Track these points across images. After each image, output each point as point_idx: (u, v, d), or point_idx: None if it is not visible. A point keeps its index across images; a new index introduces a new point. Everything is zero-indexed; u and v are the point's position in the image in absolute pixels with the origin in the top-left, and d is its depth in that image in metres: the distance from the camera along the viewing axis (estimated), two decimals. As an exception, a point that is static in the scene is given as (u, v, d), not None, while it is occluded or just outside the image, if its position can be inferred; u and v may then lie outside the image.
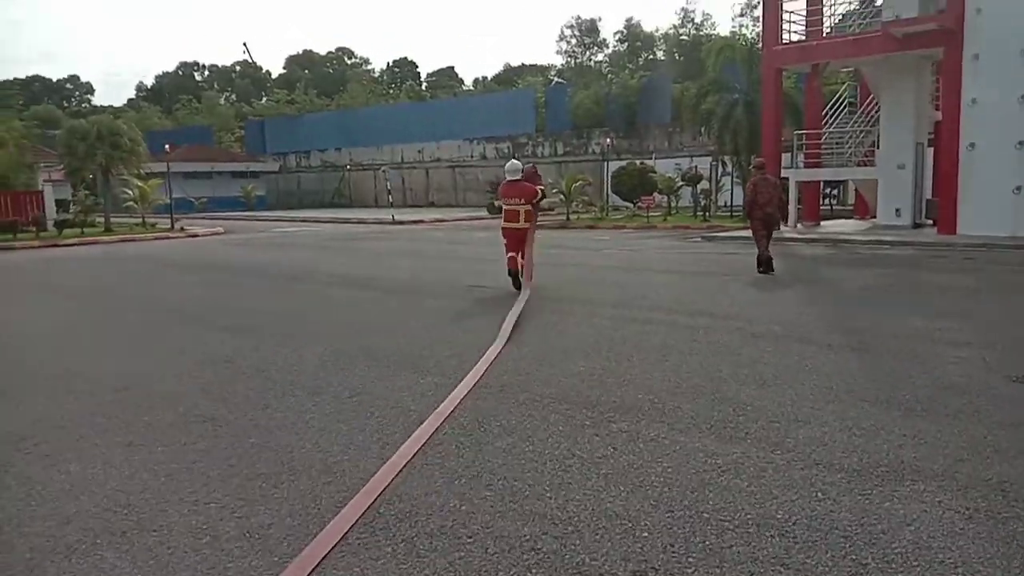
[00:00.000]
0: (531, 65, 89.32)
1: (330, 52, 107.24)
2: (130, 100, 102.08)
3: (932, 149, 23.01)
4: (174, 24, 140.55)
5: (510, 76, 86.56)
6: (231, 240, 26.99)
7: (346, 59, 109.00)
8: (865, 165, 24.07)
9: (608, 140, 36.70)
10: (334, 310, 10.39)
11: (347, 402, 5.90)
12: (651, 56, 73.24)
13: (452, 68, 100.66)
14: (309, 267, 16.41)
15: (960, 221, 19.11)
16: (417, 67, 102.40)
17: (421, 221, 36.40)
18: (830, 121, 24.72)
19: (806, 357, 7.00)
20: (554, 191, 32.13)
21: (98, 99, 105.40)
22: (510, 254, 11.79)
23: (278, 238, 27.11)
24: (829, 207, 28.61)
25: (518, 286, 11.46)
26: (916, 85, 21.48)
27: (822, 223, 25.00)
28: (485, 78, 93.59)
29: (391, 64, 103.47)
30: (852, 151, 23.20)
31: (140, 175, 34.11)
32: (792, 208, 23.53)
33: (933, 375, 6.31)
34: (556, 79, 69.49)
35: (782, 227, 22.58)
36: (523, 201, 11.81)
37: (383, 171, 38.75)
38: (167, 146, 35.03)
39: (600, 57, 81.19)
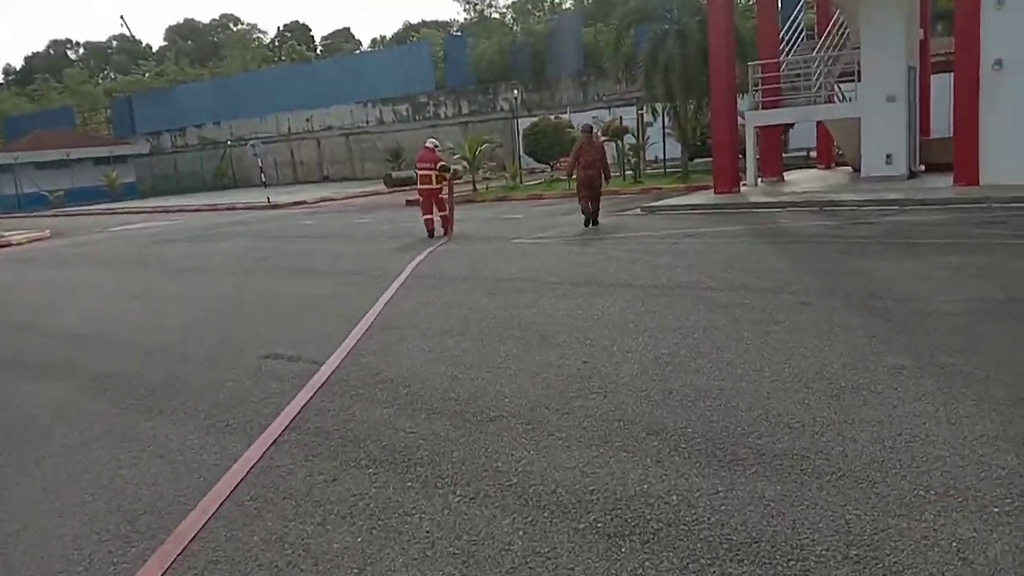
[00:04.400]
0: (431, 21, 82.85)
1: (214, 20, 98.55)
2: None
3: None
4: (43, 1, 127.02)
5: (410, 34, 79.89)
6: (31, 252, 20.52)
7: (232, 26, 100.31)
8: (830, 102, 19.13)
9: (515, 93, 31.00)
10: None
11: None
12: (557, 1, 67.45)
13: (348, 30, 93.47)
14: (45, 311, 10.45)
15: (984, 167, 14.27)
16: (310, 31, 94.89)
17: (303, 203, 30.33)
18: (787, 52, 19.69)
19: None
20: (455, 156, 26.54)
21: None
22: (426, 216, 14.91)
23: (92, 244, 20.73)
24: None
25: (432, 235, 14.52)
26: (907, -9, 16.51)
27: (785, 177, 20.09)
28: (383, 37, 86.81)
29: (281, 29, 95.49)
30: (821, 82, 18.15)
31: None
32: (751, 161, 18.47)
33: None
34: (456, 33, 63.28)
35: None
36: (433, 166, 14.87)
37: (251, 146, 32.22)
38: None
39: (503, 3, 74.94)
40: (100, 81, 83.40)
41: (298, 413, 5.03)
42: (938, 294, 6.93)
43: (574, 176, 14.62)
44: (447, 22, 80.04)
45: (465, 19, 75.32)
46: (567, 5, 64.51)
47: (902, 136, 16.65)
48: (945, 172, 15.86)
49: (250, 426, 4.91)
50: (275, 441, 4.59)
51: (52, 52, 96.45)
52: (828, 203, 14.65)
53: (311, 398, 5.33)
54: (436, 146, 15.52)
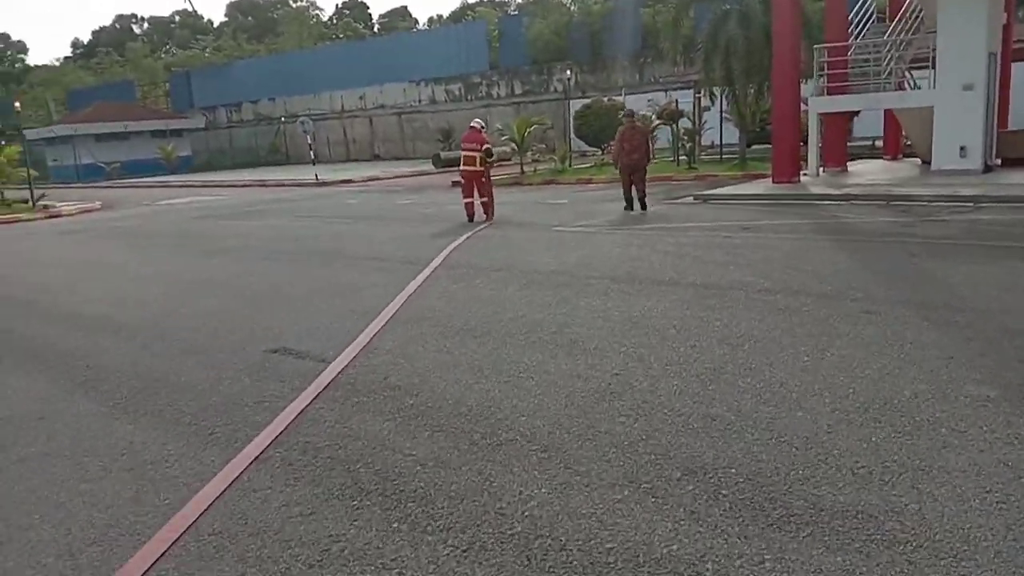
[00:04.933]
0: (488, 0, 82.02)
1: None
2: (67, 58, 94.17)
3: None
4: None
5: (466, 13, 79.29)
6: (77, 224, 20.54)
7: (291, 3, 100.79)
8: (901, 89, 17.94)
9: (568, 73, 30.12)
10: None
11: None
12: (617, -20, 65.91)
13: (405, 8, 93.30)
14: (61, 290, 10.17)
15: (1071, 162, 13.15)
16: (368, 8, 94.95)
17: (350, 181, 30.09)
18: (856, 36, 18.53)
19: None
20: (503, 138, 25.93)
21: (32, 58, 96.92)
22: (466, 200, 14.37)
23: (136, 218, 20.67)
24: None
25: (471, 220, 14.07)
26: (993, -33, 15.26)
27: (849, 167, 18.99)
28: (440, 16, 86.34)
29: (339, 6, 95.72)
30: (891, 68, 17.01)
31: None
32: (813, 149, 17.45)
33: None
34: (513, 12, 62.41)
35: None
36: (478, 147, 14.22)
37: (301, 123, 31.99)
38: (17, 104, 27.83)
39: (561, -17, 73.76)
40: (162, 56, 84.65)
41: (290, 423, 4.50)
42: (1028, 309, 6.10)
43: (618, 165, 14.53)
44: (504, 1, 79.24)
45: (522, -1, 74.43)
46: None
47: (979, 127, 15.47)
48: (1022, 167, 14.76)
49: (236, 436, 4.40)
50: (258, 457, 4.06)
51: (118, 26, 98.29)
52: (896, 197, 13.65)
53: (309, 404, 4.80)
54: (482, 127, 14.91)
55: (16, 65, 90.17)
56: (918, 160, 18.94)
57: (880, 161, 20.98)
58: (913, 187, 14.54)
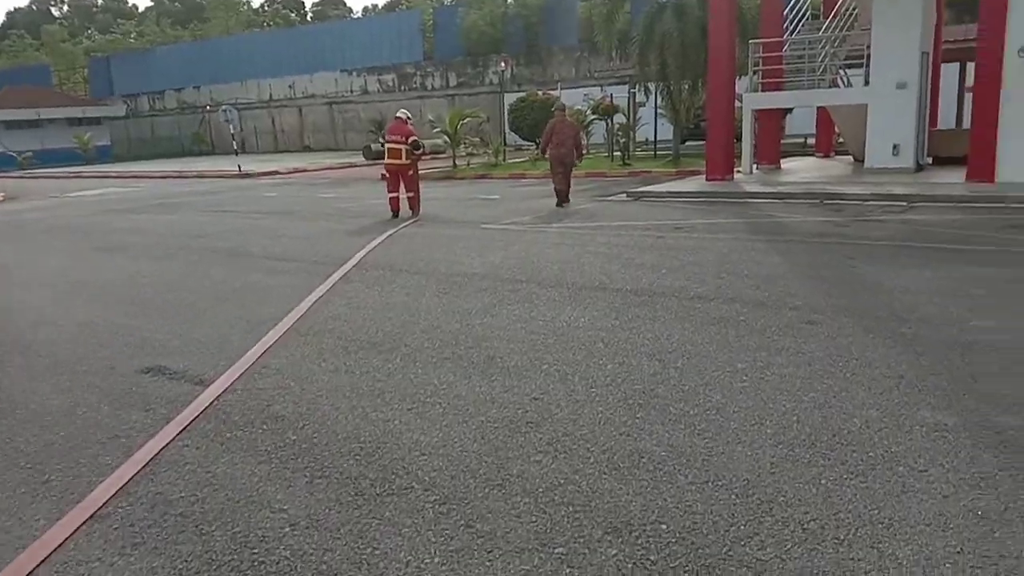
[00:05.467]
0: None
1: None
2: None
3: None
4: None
5: (401, 3, 77.96)
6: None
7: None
8: (835, 86, 17.83)
9: (503, 65, 29.49)
10: None
11: None
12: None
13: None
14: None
15: (1001, 164, 13.09)
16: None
17: (274, 172, 28.95)
18: (791, 33, 18.32)
19: None
20: (435, 130, 25.24)
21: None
22: (391, 194, 13.70)
23: (35, 211, 19.25)
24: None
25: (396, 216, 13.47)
26: (926, -33, 15.16)
27: (782, 165, 18.82)
28: (375, 6, 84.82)
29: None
30: (826, 65, 16.83)
31: None
32: (747, 146, 17.18)
33: None
34: (449, 2, 61.32)
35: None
36: (403, 139, 13.50)
37: (223, 111, 30.54)
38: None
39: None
40: (82, 40, 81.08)
41: (143, 467, 3.77)
42: (975, 318, 5.72)
43: (547, 155, 14.46)
44: (443, -9, 78.15)
45: (462, -13, 73.26)
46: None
47: (911, 126, 15.39)
48: (952, 166, 14.80)
49: (76, 484, 3.65)
50: (95, 515, 3.33)
51: (35, 8, 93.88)
52: (830, 196, 13.42)
53: (171, 440, 4.07)
54: (408, 118, 14.12)
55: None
56: (850, 158, 18.91)
57: (812, 159, 20.94)
58: (847, 186, 14.35)
